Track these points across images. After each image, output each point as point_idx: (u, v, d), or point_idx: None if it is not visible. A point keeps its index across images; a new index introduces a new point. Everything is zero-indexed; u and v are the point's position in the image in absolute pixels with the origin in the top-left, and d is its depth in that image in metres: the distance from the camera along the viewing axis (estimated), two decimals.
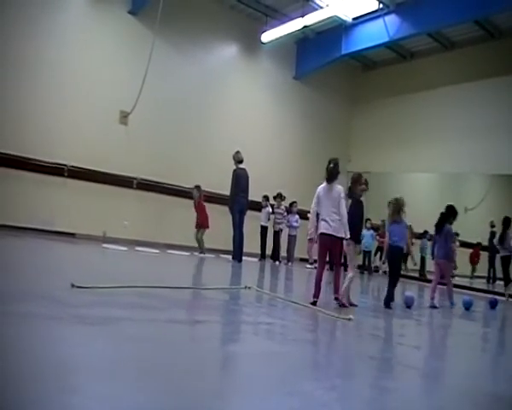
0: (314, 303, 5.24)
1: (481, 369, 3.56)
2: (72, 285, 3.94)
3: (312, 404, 2.01)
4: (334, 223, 5.63)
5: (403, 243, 6.62)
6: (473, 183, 18.98)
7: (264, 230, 13.20)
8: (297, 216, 13.53)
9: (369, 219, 14.30)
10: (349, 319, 4.41)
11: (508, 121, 13.24)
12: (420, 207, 17.89)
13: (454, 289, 9.48)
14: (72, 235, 11.04)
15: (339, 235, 5.67)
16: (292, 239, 13.45)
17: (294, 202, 13.57)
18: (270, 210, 13.20)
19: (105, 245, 10.27)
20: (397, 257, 6.70)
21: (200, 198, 11.47)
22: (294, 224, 13.42)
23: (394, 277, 6.54)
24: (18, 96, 10.50)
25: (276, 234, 13.30)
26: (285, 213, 13.41)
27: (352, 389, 2.37)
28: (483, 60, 14.06)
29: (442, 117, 14.96)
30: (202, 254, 11.13)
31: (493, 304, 8.12)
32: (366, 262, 14.39)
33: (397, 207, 6.76)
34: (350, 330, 4.15)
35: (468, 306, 7.30)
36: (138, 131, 12.21)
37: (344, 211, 5.70)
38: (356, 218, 6.11)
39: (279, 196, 13.27)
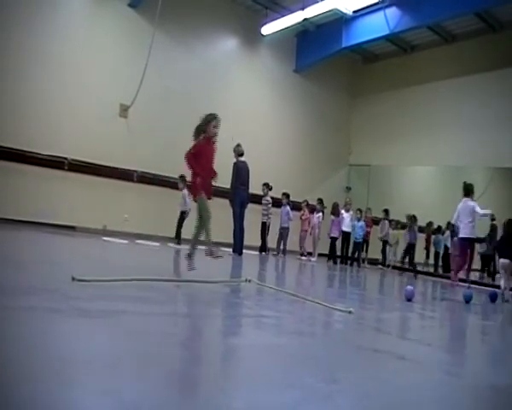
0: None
1: (483, 361, 3.56)
2: (73, 278, 3.94)
3: (314, 396, 2.01)
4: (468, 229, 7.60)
5: None
6: (473, 176, 18.92)
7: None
8: (288, 208, 13.50)
9: (359, 210, 14.38)
10: (350, 312, 4.41)
11: (509, 114, 13.24)
12: (421, 200, 17.93)
13: (459, 283, 9.76)
14: (72, 228, 11.06)
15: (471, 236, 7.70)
16: (284, 231, 13.44)
17: (285, 193, 13.55)
18: None
19: (105, 238, 10.28)
20: None
21: None
22: (285, 216, 13.43)
23: None
24: (18, 90, 10.50)
25: (263, 225, 13.20)
26: (270, 205, 13.23)
27: (353, 382, 2.37)
28: (484, 52, 14.07)
29: (442, 110, 14.97)
30: None
31: (493, 297, 8.13)
32: (356, 254, 14.37)
33: None
34: (351, 322, 4.16)
35: (468, 299, 7.31)
36: (138, 125, 12.21)
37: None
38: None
39: (266, 186, 12.96)
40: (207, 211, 5.58)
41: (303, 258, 13.47)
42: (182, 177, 11.46)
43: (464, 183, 8.72)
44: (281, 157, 15.43)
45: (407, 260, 14.11)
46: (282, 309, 4.45)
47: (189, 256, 5.61)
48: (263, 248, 13.12)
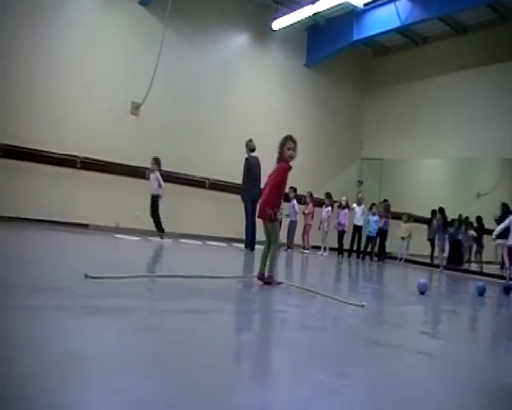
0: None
1: (490, 356, 3.54)
2: (86, 276, 3.97)
3: (325, 391, 2.02)
4: None
5: None
6: (485, 168, 18.82)
7: None
8: (294, 201, 13.44)
9: (374, 204, 14.23)
10: (362, 306, 4.40)
11: None
12: (433, 193, 17.82)
13: (466, 275, 9.70)
14: (85, 226, 11.12)
15: None
16: (291, 225, 13.38)
17: (292, 187, 13.47)
18: None
19: (118, 236, 10.34)
20: None
21: None
22: (291, 209, 13.38)
23: None
24: (29, 89, 10.56)
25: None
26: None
27: (363, 377, 2.37)
28: (496, 43, 13.89)
29: (455, 102, 14.82)
30: None
31: (507, 290, 8.06)
32: (369, 248, 14.21)
33: None
34: (362, 316, 4.15)
35: (481, 291, 7.27)
36: (150, 122, 12.25)
37: None
38: None
39: None
40: (278, 237, 5.56)
41: (305, 251, 13.41)
42: (156, 159, 10.78)
43: None
44: None
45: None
46: (293, 304, 4.46)
47: (271, 277, 5.27)
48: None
